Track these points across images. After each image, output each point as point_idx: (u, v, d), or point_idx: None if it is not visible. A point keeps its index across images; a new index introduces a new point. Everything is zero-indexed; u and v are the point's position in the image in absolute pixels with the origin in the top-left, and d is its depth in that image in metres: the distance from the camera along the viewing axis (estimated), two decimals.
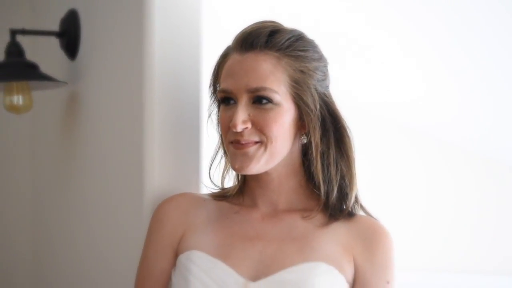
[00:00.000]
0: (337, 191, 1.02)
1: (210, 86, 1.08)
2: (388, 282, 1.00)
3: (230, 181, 1.12)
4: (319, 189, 1.03)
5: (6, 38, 1.50)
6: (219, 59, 1.04)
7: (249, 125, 0.97)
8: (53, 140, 1.73)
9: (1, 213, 2.08)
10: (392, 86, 3.10)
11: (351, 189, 1.03)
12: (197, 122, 1.21)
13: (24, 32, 1.52)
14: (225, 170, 1.10)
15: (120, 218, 1.29)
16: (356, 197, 1.05)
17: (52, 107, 1.70)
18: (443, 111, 3.25)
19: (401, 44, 2.71)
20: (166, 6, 1.20)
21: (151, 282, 1.04)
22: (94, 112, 1.47)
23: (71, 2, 1.55)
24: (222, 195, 1.10)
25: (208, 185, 1.13)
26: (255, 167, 0.98)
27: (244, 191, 1.08)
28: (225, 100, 1.00)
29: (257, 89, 0.96)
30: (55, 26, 1.56)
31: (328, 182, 1.02)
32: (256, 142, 0.97)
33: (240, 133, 0.97)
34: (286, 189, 1.05)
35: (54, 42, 1.56)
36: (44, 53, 1.69)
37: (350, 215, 1.05)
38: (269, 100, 0.96)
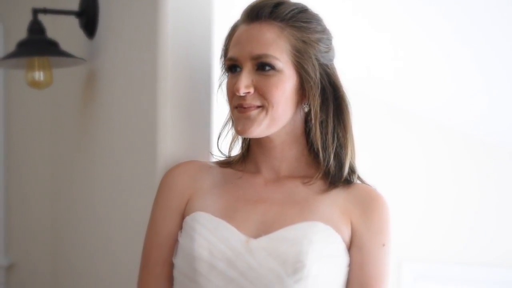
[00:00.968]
0: (336, 159, 1.08)
1: (221, 58, 1.14)
2: (383, 245, 1.06)
3: (238, 151, 1.19)
4: (319, 158, 1.09)
5: (29, 17, 1.59)
6: (229, 31, 1.10)
7: (251, 90, 1.02)
8: (72, 114, 1.82)
9: (22, 182, 2.19)
10: (386, 66, 3.09)
11: (347, 157, 1.09)
12: (208, 94, 1.28)
13: (45, 11, 1.60)
14: (233, 141, 1.16)
15: (135, 184, 1.37)
16: (353, 166, 1.11)
17: (71, 83, 1.78)
18: (440, 94, 3.24)
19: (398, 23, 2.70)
20: None
21: (158, 243, 1.09)
22: (110, 88, 1.55)
23: None
24: (227, 163, 1.16)
25: (215, 154, 1.19)
26: (257, 130, 1.04)
27: (248, 159, 1.14)
28: (232, 68, 1.06)
29: (259, 56, 1.02)
30: (74, 6, 1.64)
31: (325, 149, 1.07)
32: (258, 107, 1.03)
33: (243, 98, 1.03)
34: (288, 156, 1.10)
35: (74, 21, 1.64)
36: (64, 32, 1.77)
37: (349, 183, 1.10)
38: (271, 67, 1.02)
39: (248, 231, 1.03)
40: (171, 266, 1.08)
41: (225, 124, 1.16)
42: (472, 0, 2.27)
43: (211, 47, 1.29)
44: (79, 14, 1.62)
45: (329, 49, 1.08)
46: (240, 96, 1.03)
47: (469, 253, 3.74)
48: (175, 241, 1.09)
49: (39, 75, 1.61)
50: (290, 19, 1.03)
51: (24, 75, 1.64)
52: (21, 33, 1.60)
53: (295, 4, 1.06)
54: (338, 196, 1.08)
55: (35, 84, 1.62)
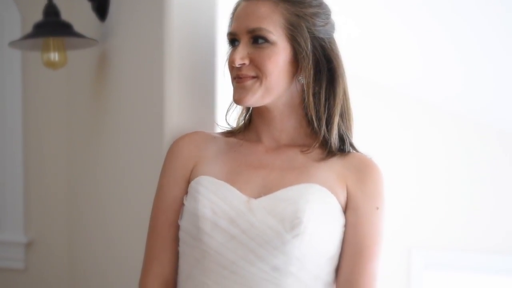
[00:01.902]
0: (331, 129, 1.14)
1: (226, 34, 1.20)
2: (377, 208, 1.12)
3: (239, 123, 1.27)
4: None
5: (44, 3, 1.67)
6: (233, 9, 1.17)
7: (246, 62, 1.10)
8: (85, 93, 1.91)
9: (39, 162, 2.28)
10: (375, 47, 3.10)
11: (346, 126, 1.17)
12: (212, 69, 1.36)
13: None
14: (240, 115, 1.24)
15: (144, 154, 1.45)
16: (348, 137, 1.18)
17: (85, 64, 1.87)
18: (428, 73, 3.25)
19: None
20: None
21: (165, 207, 1.17)
22: (121, 67, 1.63)
23: None
24: (230, 133, 1.24)
25: (221, 125, 1.27)
26: (251, 99, 1.11)
27: (250, 129, 1.22)
28: (232, 42, 1.14)
29: (254, 30, 1.09)
30: None
31: (319, 119, 1.14)
32: (253, 77, 1.10)
33: (239, 69, 1.10)
34: (287, 126, 1.17)
35: (86, 5, 1.72)
36: (77, 15, 1.85)
37: (345, 152, 1.17)
38: (265, 40, 1.09)
39: (249, 193, 1.10)
40: (177, 228, 1.16)
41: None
42: None
43: (216, 24, 1.37)
44: None
45: (325, 23, 1.14)
46: (237, 68, 1.10)
47: (479, 240, 3.76)
48: (181, 205, 1.16)
49: (54, 56, 1.69)
50: None
51: (40, 56, 1.72)
52: (37, 19, 1.68)
53: None
54: (334, 163, 1.14)
55: (50, 64, 1.70)
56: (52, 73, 1.86)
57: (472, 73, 3.03)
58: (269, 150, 1.18)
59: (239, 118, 1.25)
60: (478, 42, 2.71)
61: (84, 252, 2.22)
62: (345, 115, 1.17)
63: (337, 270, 1.13)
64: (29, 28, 1.69)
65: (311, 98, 1.13)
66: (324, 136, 1.15)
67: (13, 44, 1.68)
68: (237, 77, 1.12)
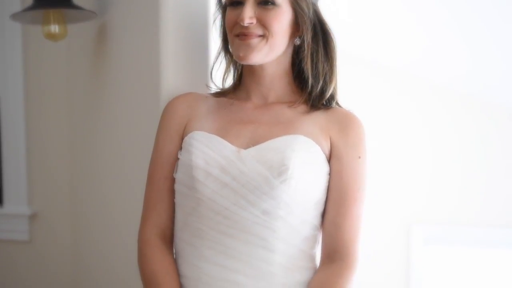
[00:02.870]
0: (321, 85, 1.24)
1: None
2: (359, 157, 1.20)
3: (230, 83, 1.34)
4: (304, 86, 1.26)
5: None
6: None
7: (254, 21, 1.17)
8: (85, 64, 1.98)
9: (42, 134, 2.33)
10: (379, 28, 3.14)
11: (331, 83, 1.25)
12: (205, 35, 1.43)
13: None
14: (225, 72, 1.31)
15: (142, 116, 1.53)
16: (334, 93, 1.27)
17: (84, 36, 1.93)
18: (433, 53, 3.28)
19: None
20: None
21: (161, 161, 1.25)
22: (119, 38, 1.70)
23: None
24: (220, 93, 1.32)
25: (210, 86, 1.34)
26: (256, 57, 1.19)
27: (240, 88, 1.30)
28: (233, 3, 1.20)
29: None
30: None
31: (315, 76, 1.23)
32: (259, 36, 1.18)
33: (246, 27, 1.17)
34: (276, 85, 1.26)
35: None
36: None
37: (329, 107, 1.26)
38: (272, 2, 1.17)
39: (238, 144, 1.19)
40: (172, 181, 1.23)
41: (218, 56, 1.30)
42: None
43: None
44: None
45: None
46: (243, 26, 1.17)
47: (478, 215, 3.81)
48: (176, 160, 1.24)
49: (54, 28, 1.75)
50: None
51: (40, 29, 1.77)
52: None
53: None
54: (319, 117, 1.23)
55: (51, 36, 1.76)
56: (52, 45, 1.91)
57: (479, 52, 3.07)
58: (257, 107, 1.26)
59: (224, 76, 1.33)
60: (484, 21, 2.74)
61: (88, 222, 2.28)
62: (334, 74, 1.26)
63: (323, 214, 1.21)
64: (29, 1, 1.75)
65: (309, 57, 1.22)
66: (311, 92, 1.23)
67: (13, 17, 1.74)
68: (242, 35, 1.18)
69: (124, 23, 1.68)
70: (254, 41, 1.18)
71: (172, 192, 1.24)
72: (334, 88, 1.26)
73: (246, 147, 1.18)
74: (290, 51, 1.25)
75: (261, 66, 1.23)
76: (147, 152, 1.45)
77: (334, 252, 1.17)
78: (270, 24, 1.17)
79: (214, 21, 1.30)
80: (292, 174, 1.12)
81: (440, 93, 3.75)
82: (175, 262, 1.22)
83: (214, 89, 1.34)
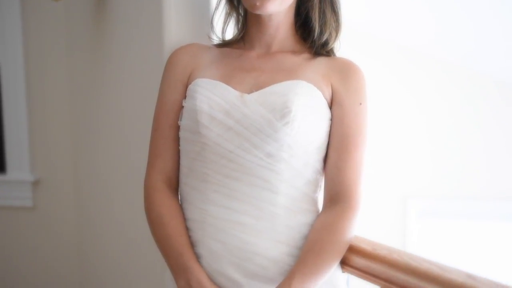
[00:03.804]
0: (326, 35, 1.27)
1: None
2: (360, 104, 1.22)
3: (230, 35, 1.36)
4: (306, 36, 1.29)
5: None
6: None
7: None
8: (85, 20, 1.98)
9: (43, 100, 2.35)
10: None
11: (336, 34, 1.29)
12: None
13: None
14: (225, 23, 1.33)
15: (145, 68, 1.55)
16: (335, 44, 1.30)
17: None
18: (441, 32, 3.31)
19: None
20: None
21: (165, 109, 1.27)
22: None
23: None
24: (223, 44, 1.35)
25: (212, 38, 1.36)
26: (272, 6, 1.19)
27: (243, 38, 1.32)
28: None
29: None
30: None
31: (322, 25, 1.26)
32: None
33: None
34: (280, 34, 1.28)
35: None
36: None
37: (330, 55, 1.30)
38: None
39: (242, 90, 1.21)
40: (177, 129, 1.26)
41: (217, 7, 1.32)
42: None
43: None
44: None
45: None
46: None
47: (471, 188, 3.87)
48: (180, 108, 1.26)
49: None
50: None
51: None
52: None
53: None
54: (320, 64, 1.26)
55: None
56: (51, 5, 1.92)
57: (484, 30, 3.09)
58: (260, 56, 1.28)
59: (223, 27, 1.34)
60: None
61: (91, 187, 2.31)
62: (340, 25, 1.29)
63: (325, 159, 1.23)
64: None
65: (317, 6, 1.26)
66: (315, 41, 1.27)
67: None
68: None
69: None
70: None
71: (177, 140, 1.26)
72: (336, 40, 1.29)
73: (249, 92, 1.20)
74: (296, 2, 1.28)
75: (269, 16, 1.25)
76: (152, 106, 1.47)
77: (337, 195, 1.20)
78: None
79: None
80: (295, 116, 1.14)
81: (434, 66, 3.78)
82: (180, 207, 1.25)
83: (216, 40, 1.36)
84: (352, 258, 1.20)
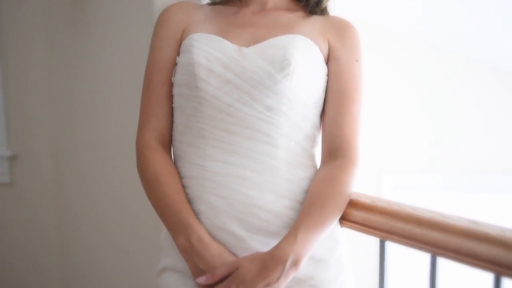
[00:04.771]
0: None
1: None
2: (356, 60, 1.23)
3: None
4: None
5: None
6: None
7: None
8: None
9: (19, 68, 2.27)
10: None
11: None
12: None
13: None
14: None
15: (134, 27, 1.51)
16: (329, 0, 1.30)
17: None
18: (430, 15, 3.33)
19: None
20: None
21: (157, 66, 1.23)
22: None
23: None
24: (216, 2, 1.32)
25: None
26: None
27: None
28: None
29: None
30: None
31: None
32: None
33: None
34: None
35: None
36: None
37: (324, 14, 1.30)
38: None
39: (239, 44, 1.19)
40: (170, 86, 1.23)
41: None
42: None
43: None
44: None
45: None
46: None
47: (444, 162, 3.95)
48: (173, 65, 1.23)
49: None
50: None
51: None
52: None
53: None
54: (316, 21, 1.26)
55: None
56: None
57: (479, 15, 3.11)
58: (255, 13, 1.27)
59: None
60: None
61: (71, 162, 2.26)
62: None
63: (323, 115, 1.23)
64: None
65: None
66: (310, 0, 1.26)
67: None
68: None
69: None
70: None
71: (170, 98, 1.23)
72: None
73: (247, 46, 1.18)
74: None
75: None
76: (135, 77, 1.44)
77: (336, 150, 1.19)
78: None
79: None
80: (294, 69, 1.13)
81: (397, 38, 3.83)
82: (175, 165, 1.22)
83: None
84: (351, 212, 1.20)
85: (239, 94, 1.14)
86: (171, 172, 1.19)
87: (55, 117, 2.28)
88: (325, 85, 1.22)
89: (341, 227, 1.23)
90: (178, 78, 1.20)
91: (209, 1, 1.33)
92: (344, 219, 1.21)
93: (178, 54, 1.23)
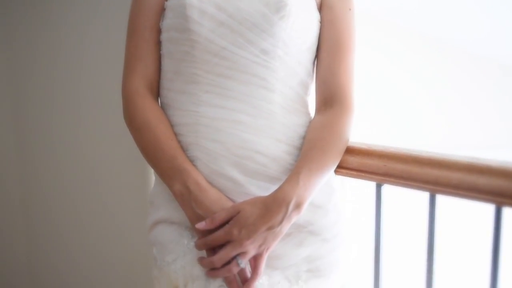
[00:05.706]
0: None
1: None
2: (350, 9, 1.22)
3: None
4: None
5: None
6: None
7: None
8: None
9: None
10: None
11: None
12: None
13: None
14: None
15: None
16: None
17: None
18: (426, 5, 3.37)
19: None
20: None
21: (144, 10, 1.17)
22: None
23: None
24: None
25: None
26: None
27: None
28: None
29: None
30: None
31: None
32: None
33: None
34: None
35: None
36: None
37: None
38: None
39: None
40: (158, 32, 1.18)
41: None
42: None
43: None
44: None
45: None
46: None
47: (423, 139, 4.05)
48: (161, 10, 1.18)
49: None
50: None
51: None
52: None
53: None
54: None
55: None
56: None
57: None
58: None
59: None
60: None
61: (35, 137, 2.17)
62: None
63: (317, 64, 1.22)
64: None
65: None
66: None
67: None
68: None
69: None
70: None
71: (158, 44, 1.18)
72: None
73: None
74: None
75: None
76: (109, 40, 1.37)
77: (331, 97, 1.18)
78: None
79: None
80: (290, 11, 1.10)
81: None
82: (165, 113, 1.18)
83: None
84: (347, 159, 1.19)
85: (234, 37, 1.10)
86: (162, 119, 1.15)
87: (17, 82, 2.17)
88: (318, 32, 1.20)
89: (336, 175, 1.22)
90: (167, 22, 1.15)
91: None
92: (339, 167, 1.20)
93: None
